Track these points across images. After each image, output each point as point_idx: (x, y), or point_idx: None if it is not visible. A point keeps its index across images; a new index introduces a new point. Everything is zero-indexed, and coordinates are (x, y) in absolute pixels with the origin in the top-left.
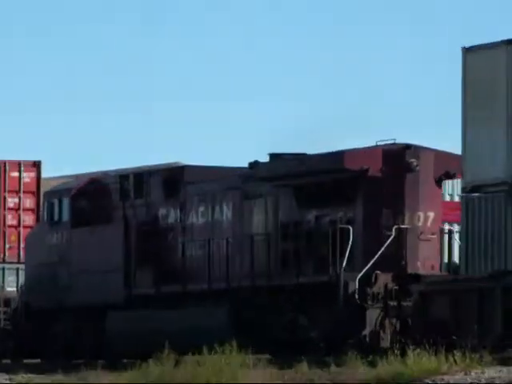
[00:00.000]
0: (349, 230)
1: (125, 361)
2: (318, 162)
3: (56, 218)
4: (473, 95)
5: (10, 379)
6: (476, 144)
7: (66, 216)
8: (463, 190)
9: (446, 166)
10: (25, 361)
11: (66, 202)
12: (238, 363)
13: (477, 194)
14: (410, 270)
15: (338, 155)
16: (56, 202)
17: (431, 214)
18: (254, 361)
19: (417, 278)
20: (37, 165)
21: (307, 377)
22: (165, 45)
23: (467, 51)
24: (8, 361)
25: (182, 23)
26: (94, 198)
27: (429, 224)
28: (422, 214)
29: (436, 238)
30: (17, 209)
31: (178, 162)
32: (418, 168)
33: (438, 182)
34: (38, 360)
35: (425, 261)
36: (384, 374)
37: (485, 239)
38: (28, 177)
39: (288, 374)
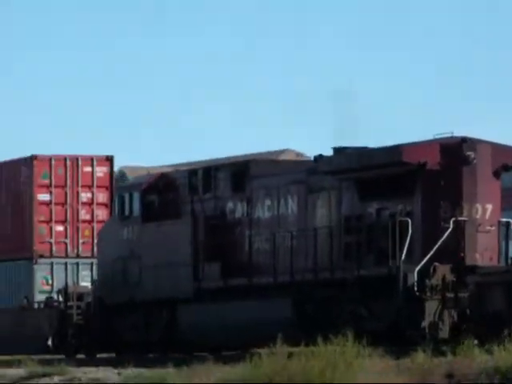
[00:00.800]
0: (407, 222)
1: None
2: (377, 155)
3: (127, 212)
4: None
5: (118, 373)
6: None
7: (136, 211)
8: None
9: (503, 159)
10: (98, 355)
11: (136, 196)
12: (352, 354)
13: None
14: (468, 262)
15: (397, 149)
16: (127, 196)
17: (489, 206)
18: (369, 351)
19: (473, 269)
20: (109, 159)
21: (424, 366)
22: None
23: None
24: (82, 355)
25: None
26: (163, 193)
27: (487, 216)
28: (480, 206)
29: (495, 229)
30: (90, 203)
31: None
32: (475, 161)
33: (496, 175)
34: (112, 354)
35: (483, 252)
36: (502, 363)
37: None
38: (101, 171)
39: (404, 363)
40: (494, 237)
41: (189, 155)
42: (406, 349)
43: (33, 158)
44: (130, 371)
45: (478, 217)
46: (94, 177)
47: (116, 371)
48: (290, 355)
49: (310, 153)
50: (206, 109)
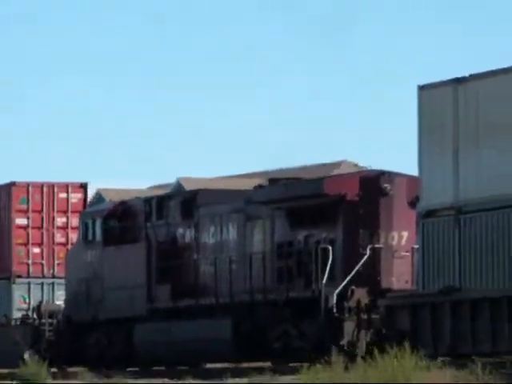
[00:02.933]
0: (328, 249)
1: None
2: (303, 187)
3: (90, 237)
4: (426, 128)
5: None
6: (429, 173)
7: (98, 235)
8: (419, 214)
9: (418, 190)
10: (69, 369)
11: (98, 222)
12: (411, 366)
13: (431, 218)
14: (384, 285)
15: (319, 182)
16: (90, 222)
17: (405, 234)
18: (428, 363)
19: (385, 292)
20: (83, 186)
21: (483, 379)
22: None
23: (421, 89)
24: (55, 369)
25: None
26: (122, 220)
27: (403, 242)
28: (396, 234)
29: (409, 255)
30: (65, 227)
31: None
32: (391, 192)
33: (411, 205)
34: (83, 368)
35: (399, 276)
36: None
37: (437, 259)
38: (75, 198)
39: (463, 375)
40: (408, 262)
41: (244, 166)
42: (464, 361)
43: (11, 184)
44: (187, 383)
45: (394, 243)
46: (69, 203)
47: (172, 383)
48: (347, 367)
49: (370, 163)
50: (261, 115)
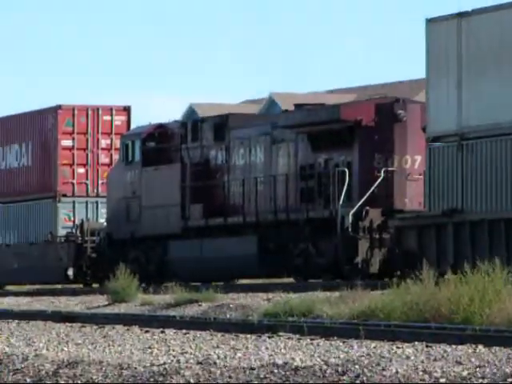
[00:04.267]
0: (345, 172)
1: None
2: (322, 113)
3: (130, 158)
4: (433, 59)
5: (267, 299)
6: (436, 102)
7: (137, 156)
8: (427, 139)
9: None
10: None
11: (137, 144)
12: (501, 281)
13: (436, 144)
14: (397, 206)
15: (336, 108)
16: (130, 143)
17: (418, 158)
18: None
19: (398, 213)
20: (127, 109)
21: None
22: None
23: (429, 22)
24: (97, 285)
25: None
26: (160, 142)
27: (416, 166)
28: (409, 158)
29: (422, 178)
30: (109, 149)
31: None
32: (405, 118)
33: (425, 130)
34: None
35: (412, 198)
36: None
37: (442, 182)
38: (119, 120)
39: None
40: (421, 184)
41: (338, 81)
42: None
43: (57, 107)
44: (279, 297)
45: (407, 167)
46: (113, 125)
47: (265, 297)
48: (437, 283)
49: None
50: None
